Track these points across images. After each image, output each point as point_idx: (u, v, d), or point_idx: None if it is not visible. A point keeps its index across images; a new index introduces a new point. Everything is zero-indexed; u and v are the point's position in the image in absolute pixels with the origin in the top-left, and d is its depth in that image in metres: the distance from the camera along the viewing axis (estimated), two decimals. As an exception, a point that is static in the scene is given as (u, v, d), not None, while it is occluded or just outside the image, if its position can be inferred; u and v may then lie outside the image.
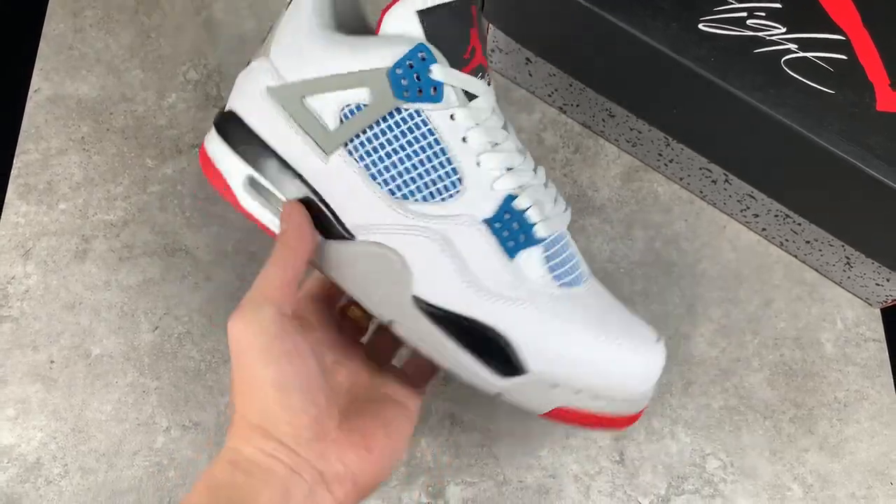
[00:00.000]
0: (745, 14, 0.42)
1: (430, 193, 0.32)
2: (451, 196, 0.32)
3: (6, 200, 0.47)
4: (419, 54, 0.32)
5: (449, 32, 0.32)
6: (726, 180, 0.47)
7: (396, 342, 0.38)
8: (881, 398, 0.45)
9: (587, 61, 0.46)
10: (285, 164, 0.34)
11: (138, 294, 0.46)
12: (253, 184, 0.34)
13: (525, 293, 0.33)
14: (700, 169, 0.47)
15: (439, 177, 0.32)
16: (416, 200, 0.33)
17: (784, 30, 0.41)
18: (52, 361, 0.44)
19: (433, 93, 0.32)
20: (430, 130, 0.32)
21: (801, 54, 0.41)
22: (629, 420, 0.35)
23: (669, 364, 0.45)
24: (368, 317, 0.37)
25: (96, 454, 0.42)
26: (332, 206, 0.33)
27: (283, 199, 0.34)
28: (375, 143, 0.32)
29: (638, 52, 0.41)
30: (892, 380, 0.46)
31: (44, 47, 0.52)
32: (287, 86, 0.33)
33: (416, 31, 0.31)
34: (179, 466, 0.42)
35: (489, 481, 0.43)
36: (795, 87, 0.40)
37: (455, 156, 0.32)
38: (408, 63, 0.31)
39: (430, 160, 0.32)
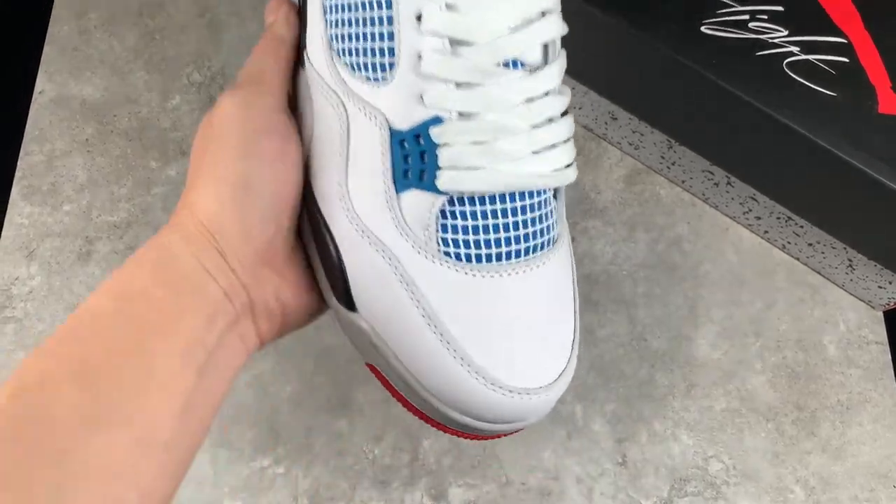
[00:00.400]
0: (747, 17, 0.42)
1: (360, 64, 0.26)
2: (377, 80, 0.25)
3: (10, 202, 0.48)
4: None
5: None
6: (728, 183, 0.47)
7: None
8: (884, 401, 0.45)
9: (589, 64, 0.46)
10: None
11: (142, 295, 0.46)
12: None
13: (390, 238, 0.25)
14: (702, 171, 0.47)
15: (374, 49, 0.25)
16: (346, 64, 0.26)
17: (786, 32, 0.42)
18: (55, 362, 0.44)
19: None
20: None
21: (803, 57, 0.41)
22: (433, 423, 0.27)
23: (672, 366, 0.45)
24: None
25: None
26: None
27: None
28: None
29: (640, 54, 0.41)
30: (894, 382, 0.46)
31: (48, 49, 0.52)
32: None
33: None
34: (182, 467, 0.42)
35: (491, 483, 0.43)
36: (797, 90, 0.40)
37: (398, 30, 0.24)
38: None
39: (372, 22, 0.25)
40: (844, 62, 0.41)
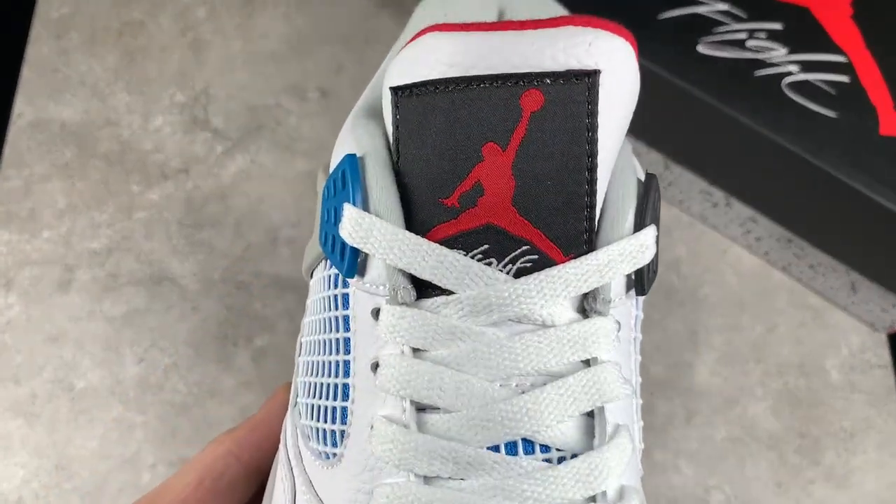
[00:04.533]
0: (745, 35, 0.41)
1: (313, 430, 0.20)
2: (326, 456, 0.19)
3: (-13, 229, 0.46)
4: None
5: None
6: (727, 203, 0.46)
7: None
8: (888, 427, 0.44)
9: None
10: None
11: (123, 325, 0.44)
12: None
13: None
14: (700, 192, 0.46)
15: (326, 411, 0.20)
16: (301, 428, 0.21)
17: (785, 51, 0.41)
18: (34, 396, 0.43)
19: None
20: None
21: (803, 77, 0.40)
22: None
23: (671, 394, 0.44)
24: None
25: (80, 492, 0.41)
26: None
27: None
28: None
29: (636, 74, 0.40)
30: (898, 408, 0.45)
31: (27, 71, 0.50)
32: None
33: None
34: (166, 505, 0.41)
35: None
36: (796, 111, 0.39)
37: (353, 384, 0.19)
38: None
39: (330, 369, 0.20)
40: (845, 82, 0.40)
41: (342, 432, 0.18)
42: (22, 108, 0.49)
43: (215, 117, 0.50)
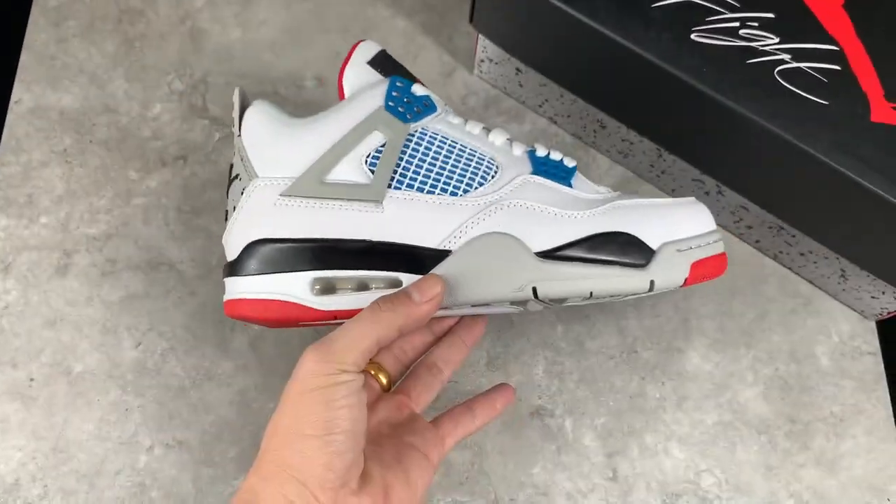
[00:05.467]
0: (737, 24, 0.41)
1: (482, 177, 0.36)
2: (496, 173, 0.37)
3: (-14, 214, 0.46)
4: (396, 83, 0.38)
5: (392, 65, 0.39)
6: (719, 192, 0.46)
7: (424, 392, 0.38)
8: (877, 412, 0.45)
9: (578, 72, 0.45)
10: (340, 243, 0.35)
11: (121, 309, 0.45)
12: (319, 282, 0.35)
13: (601, 198, 0.37)
14: (693, 180, 0.47)
15: (477, 163, 0.37)
16: (477, 187, 0.36)
17: (777, 40, 0.41)
18: (32, 379, 0.43)
19: (426, 105, 0.38)
20: (443, 138, 0.37)
21: (795, 65, 0.40)
22: (723, 257, 0.37)
23: (663, 379, 0.45)
24: (387, 375, 0.38)
25: (77, 474, 0.41)
26: (410, 242, 0.35)
27: (352, 274, 0.35)
28: (413, 167, 0.36)
29: (630, 62, 0.41)
30: (887, 394, 0.45)
31: (25, 57, 0.51)
32: (301, 179, 0.35)
33: (373, 75, 0.38)
34: (163, 486, 0.41)
35: (480, 500, 0.42)
36: (789, 98, 0.39)
37: (475, 145, 0.37)
38: (393, 93, 0.37)
39: (460, 156, 0.37)
40: (836, 70, 0.40)
41: (495, 167, 0.37)
42: (20, 95, 0.50)
43: (213, 105, 0.50)
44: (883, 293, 0.44)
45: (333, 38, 0.53)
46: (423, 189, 0.36)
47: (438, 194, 0.36)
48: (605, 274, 0.35)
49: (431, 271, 0.35)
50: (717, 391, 0.45)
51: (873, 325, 0.47)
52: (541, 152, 0.38)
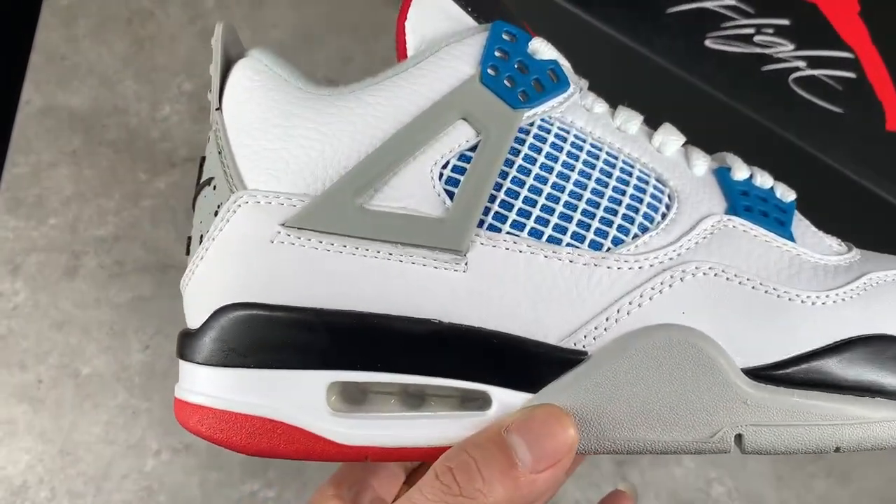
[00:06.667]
0: (752, 31, 0.41)
1: (647, 216, 0.22)
2: (668, 209, 0.22)
3: (-6, 215, 0.46)
4: (502, 35, 0.22)
5: (490, 5, 0.23)
6: (732, 199, 0.46)
7: None
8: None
9: (591, 77, 0.45)
10: (385, 324, 0.20)
11: (129, 312, 0.44)
12: (340, 390, 0.21)
13: (845, 262, 0.23)
14: (705, 187, 0.46)
15: (638, 189, 0.22)
16: (637, 235, 0.21)
17: (792, 47, 0.41)
18: (39, 381, 0.43)
19: (553, 79, 0.22)
20: (579, 139, 0.22)
21: (810, 72, 0.40)
22: None
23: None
24: None
25: (84, 477, 0.41)
26: (511, 330, 0.21)
27: (400, 379, 0.21)
28: (525, 191, 0.21)
29: (643, 68, 0.40)
30: (900, 404, 0.45)
31: (35, 58, 0.51)
32: (321, 200, 0.21)
33: (460, 18, 0.22)
34: (169, 491, 0.41)
35: (488, 508, 0.41)
36: (803, 106, 0.39)
37: (632, 155, 0.23)
38: (496, 53, 0.22)
39: (608, 174, 0.22)
40: (851, 78, 0.40)
41: (665, 194, 0.22)
42: (30, 95, 0.49)
43: (223, 107, 0.50)
44: (896, 303, 0.44)
45: (344, 39, 0.53)
46: (541, 234, 0.21)
47: (568, 245, 0.21)
48: (868, 416, 0.20)
49: (548, 391, 0.20)
50: (728, 400, 0.44)
51: (886, 334, 0.47)
52: (740, 174, 0.24)
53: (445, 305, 0.20)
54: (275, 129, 0.22)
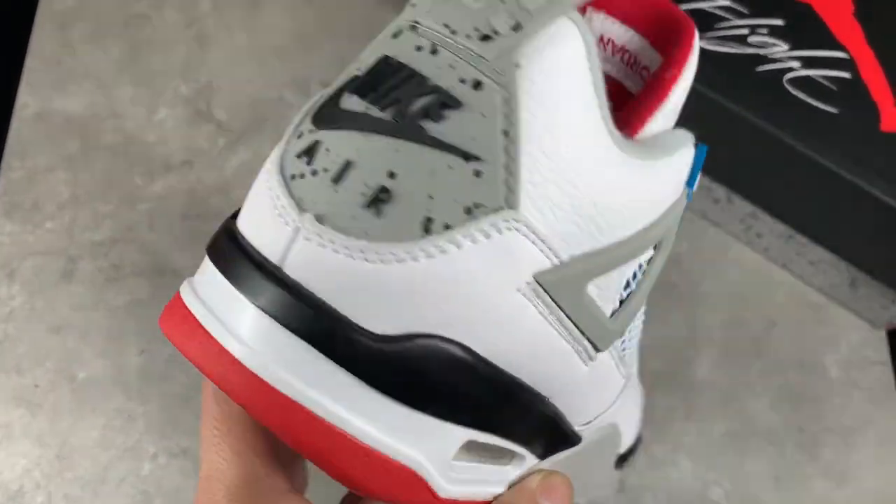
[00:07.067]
0: (746, 31, 0.41)
1: (633, 335, 0.25)
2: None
3: (-9, 219, 0.46)
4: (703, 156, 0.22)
5: None
6: (728, 200, 0.46)
7: None
8: (888, 423, 0.44)
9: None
10: (530, 397, 0.20)
11: (126, 316, 0.44)
12: (470, 449, 0.20)
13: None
14: (702, 188, 0.46)
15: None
16: (630, 348, 0.25)
17: (786, 47, 0.41)
18: (36, 385, 0.43)
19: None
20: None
21: (804, 73, 0.40)
22: None
23: (671, 389, 0.44)
24: None
25: (81, 482, 0.41)
26: (568, 417, 0.22)
27: (506, 445, 0.21)
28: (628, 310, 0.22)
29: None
30: (898, 404, 0.45)
31: (31, 62, 0.51)
32: (570, 271, 0.18)
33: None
34: (167, 495, 0.41)
35: (486, 510, 0.41)
36: (798, 107, 0.39)
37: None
38: (696, 172, 0.22)
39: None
40: (846, 78, 0.40)
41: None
42: (26, 100, 0.50)
43: (219, 110, 0.50)
44: (893, 303, 0.44)
45: (340, 42, 0.53)
46: (624, 351, 0.24)
47: (623, 351, 0.23)
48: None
49: (554, 461, 0.23)
50: (726, 401, 0.44)
51: (883, 334, 0.46)
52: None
53: (563, 384, 0.21)
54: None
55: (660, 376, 0.45)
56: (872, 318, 0.46)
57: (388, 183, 0.16)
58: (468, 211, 0.16)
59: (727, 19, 0.41)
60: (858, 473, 0.43)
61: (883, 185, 0.38)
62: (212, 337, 0.18)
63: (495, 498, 0.21)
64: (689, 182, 0.22)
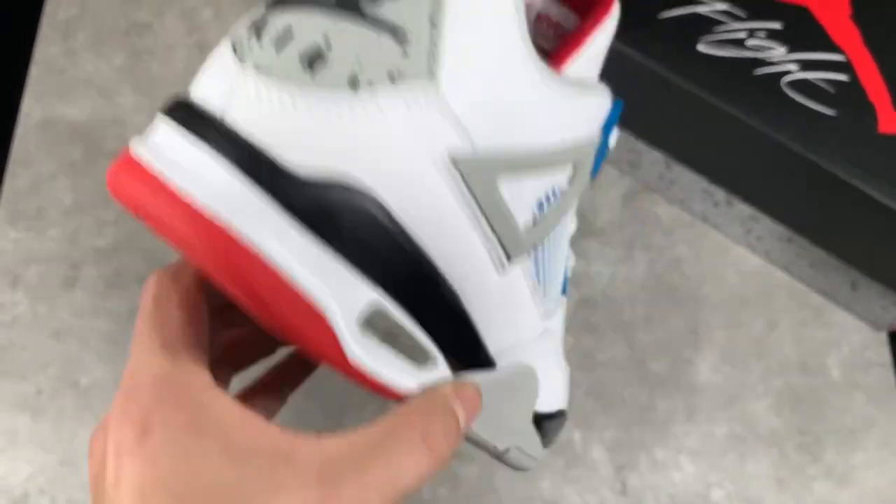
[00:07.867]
0: (744, 35, 0.41)
1: (565, 283, 0.27)
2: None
3: (-5, 226, 0.47)
4: (619, 111, 0.25)
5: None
6: (728, 203, 0.46)
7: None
8: (889, 424, 0.44)
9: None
10: (436, 278, 0.21)
11: (128, 322, 0.45)
12: (376, 317, 0.20)
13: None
14: (701, 191, 0.47)
15: (566, 262, 0.28)
16: (554, 298, 0.26)
17: (784, 50, 0.41)
18: (39, 391, 0.43)
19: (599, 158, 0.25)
20: (561, 210, 0.25)
21: (802, 75, 0.40)
22: None
23: (672, 391, 0.44)
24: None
25: (85, 487, 0.41)
26: (480, 329, 0.24)
27: (414, 331, 0.21)
28: (549, 244, 0.25)
29: (636, 72, 0.41)
30: (899, 406, 0.45)
31: (35, 70, 0.51)
32: (482, 159, 0.20)
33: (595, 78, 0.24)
34: (170, 500, 0.41)
35: (488, 513, 0.41)
36: (796, 109, 0.39)
37: (566, 234, 0.28)
38: (612, 124, 0.25)
39: (561, 244, 0.26)
40: (844, 80, 0.40)
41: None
42: (30, 108, 0.50)
43: (220, 117, 0.50)
44: (894, 304, 0.44)
45: (340, 50, 0.53)
46: (540, 281, 0.25)
47: (541, 284, 0.25)
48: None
49: (471, 378, 0.24)
50: (727, 403, 0.44)
51: (884, 336, 0.46)
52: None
53: (475, 289, 0.23)
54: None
55: (661, 378, 0.45)
56: (873, 320, 0.46)
57: (323, 48, 0.19)
58: (391, 77, 0.19)
59: (725, 23, 0.41)
60: (860, 475, 0.43)
61: (881, 185, 0.38)
62: (176, 188, 0.19)
63: (406, 397, 0.22)
64: (605, 129, 0.25)
